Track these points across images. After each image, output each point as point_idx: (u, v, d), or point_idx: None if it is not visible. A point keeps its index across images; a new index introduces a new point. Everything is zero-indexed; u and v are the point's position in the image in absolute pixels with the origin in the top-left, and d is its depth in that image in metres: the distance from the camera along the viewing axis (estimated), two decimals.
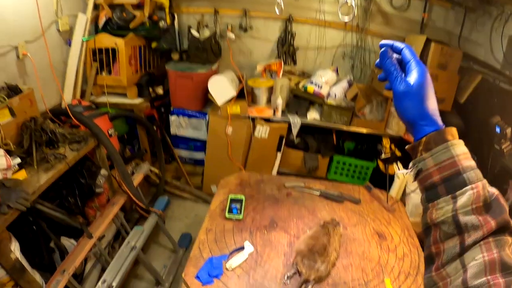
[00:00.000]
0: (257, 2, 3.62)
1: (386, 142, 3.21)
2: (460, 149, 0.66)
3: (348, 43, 3.71)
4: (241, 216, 1.90)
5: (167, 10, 3.51)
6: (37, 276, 1.95)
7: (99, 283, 2.07)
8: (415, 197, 2.79)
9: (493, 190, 0.63)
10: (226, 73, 3.43)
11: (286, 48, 3.70)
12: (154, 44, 3.47)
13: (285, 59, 3.75)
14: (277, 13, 2.91)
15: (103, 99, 3.24)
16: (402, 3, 3.51)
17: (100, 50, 3.19)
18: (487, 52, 2.94)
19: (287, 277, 1.59)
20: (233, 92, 3.25)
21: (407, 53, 0.73)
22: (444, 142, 0.67)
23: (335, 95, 3.31)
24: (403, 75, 0.72)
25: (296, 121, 3.29)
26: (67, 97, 2.99)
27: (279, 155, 3.44)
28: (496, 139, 2.45)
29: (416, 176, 0.71)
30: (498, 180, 2.52)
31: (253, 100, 3.45)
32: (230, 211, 1.93)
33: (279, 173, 3.57)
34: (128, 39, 3.19)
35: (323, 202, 2.10)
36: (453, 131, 0.69)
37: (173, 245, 3.02)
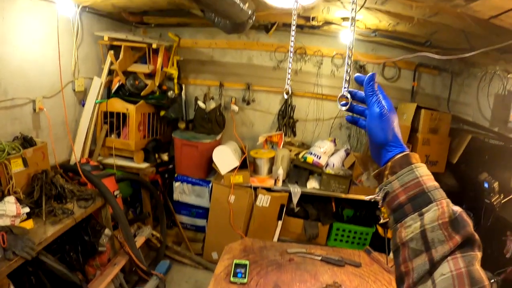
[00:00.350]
0: (260, 77, 3.94)
1: (384, 208, 3.30)
2: (423, 171, 0.72)
3: (344, 114, 3.95)
4: (245, 280, 1.95)
5: (175, 80, 3.81)
6: None
7: None
8: None
9: (457, 208, 0.67)
10: (230, 144, 3.62)
11: (286, 120, 3.94)
12: (162, 113, 3.70)
13: (286, 131, 3.98)
14: (285, 97, 3.14)
15: (110, 160, 3.39)
16: (393, 74, 3.83)
17: (111, 114, 3.42)
18: (476, 111, 3.14)
19: None
20: (236, 163, 3.40)
21: (368, 89, 0.83)
22: (409, 165, 0.72)
23: (333, 165, 3.46)
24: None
25: (296, 190, 3.41)
26: (77, 155, 3.12)
27: (280, 223, 3.51)
28: (486, 194, 2.57)
29: (384, 200, 0.75)
30: (494, 232, 2.60)
31: (255, 170, 3.60)
32: (235, 275, 1.98)
33: (280, 240, 3.62)
34: (139, 106, 3.41)
35: (325, 267, 2.16)
36: (416, 156, 0.74)
37: None
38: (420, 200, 0.68)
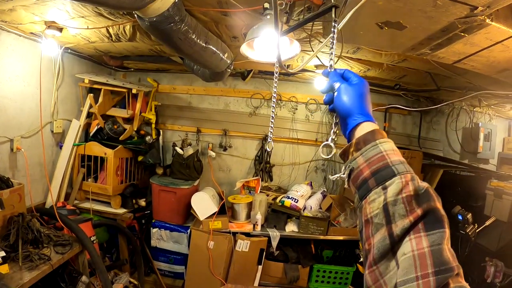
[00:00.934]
0: (237, 123, 4.05)
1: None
2: (388, 146, 0.71)
3: (320, 157, 4.07)
4: None
5: (153, 125, 3.87)
6: None
7: None
8: None
9: (424, 184, 0.65)
10: (208, 190, 3.64)
11: (263, 165, 4.02)
12: (140, 158, 3.70)
13: (262, 176, 4.05)
14: (268, 149, 3.22)
15: (86, 204, 3.32)
16: None
17: (89, 157, 3.38)
18: (446, 146, 3.31)
19: None
20: (214, 208, 3.41)
21: (349, 71, 0.87)
22: (373, 140, 0.72)
23: (311, 207, 3.53)
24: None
25: (275, 235, 3.42)
26: (53, 198, 3.04)
27: (260, 267, 3.49)
28: (460, 226, 2.68)
29: (349, 178, 0.75)
30: (473, 260, 2.72)
31: (233, 216, 3.61)
32: None
33: (261, 285, 3.58)
34: (117, 151, 3.41)
35: None
36: (382, 132, 0.74)
37: None
38: (383, 173, 0.67)
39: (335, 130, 0.89)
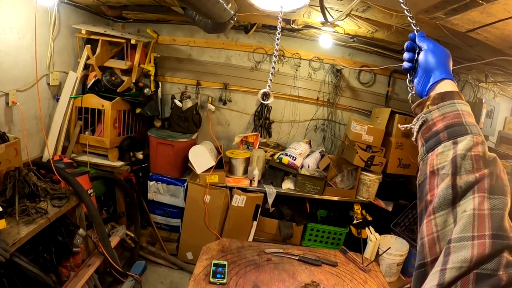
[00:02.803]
0: (238, 77, 3.95)
1: (357, 208, 3.40)
2: (465, 107, 0.72)
3: (320, 116, 4.03)
4: (225, 281, 1.96)
5: (152, 78, 3.77)
6: None
7: None
8: (388, 258, 2.92)
9: (493, 154, 0.65)
10: (206, 144, 3.61)
11: (262, 121, 3.96)
12: (138, 110, 3.63)
13: (261, 132, 4.01)
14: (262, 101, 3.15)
15: (83, 158, 3.30)
16: (369, 79, 3.93)
17: (86, 110, 3.32)
18: None
19: None
20: (212, 162, 3.40)
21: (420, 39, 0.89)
22: (452, 99, 0.73)
23: (309, 166, 3.52)
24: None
25: (271, 191, 3.44)
26: (50, 151, 3.01)
27: (255, 223, 3.53)
28: None
29: (419, 128, 0.76)
30: None
31: (231, 170, 3.60)
32: (214, 276, 1.99)
33: (255, 240, 3.64)
34: (115, 103, 3.33)
35: (302, 266, 2.19)
36: (461, 95, 0.75)
37: None
38: (457, 129, 0.68)
39: (410, 87, 0.92)
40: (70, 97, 3.19)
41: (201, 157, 3.41)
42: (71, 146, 3.27)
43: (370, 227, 3.02)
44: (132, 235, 3.42)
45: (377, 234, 2.95)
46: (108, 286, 3.05)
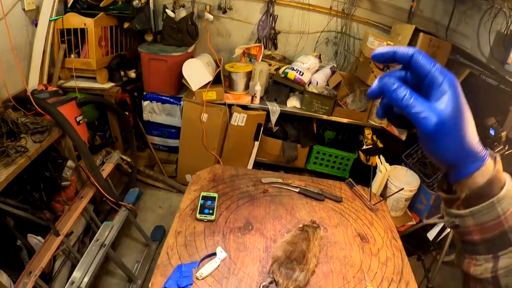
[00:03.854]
0: None
1: (368, 133, 3.11)
2: (507, 204, 0.50)
3: (333, 28, 3.55)
4: (213, 217, 1.75)
5: None
6: (4, 277, 1.83)
7: (67, 285, 1.90)
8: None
9: None
10: (202, 57, 3.24)
11: (267, 31, 3.51)
12: (126, 25, 3.19)
13: (266, 43, 3.58)
14: None
15: (71, 83, 3.00)
16: None
17: (69, 31, 2.91)
18: (474, 45, 2.85)
19: (263, 287, 1.47)
20: (208, 77, 3.06)
21: (422, 61, 0.49)
22: (490, 197, 0.50)
23: (317, 83, 3.16)
24: (426, 102, 0.49)
25: (275, 109, 3.14)
26: (33, 82, 2.72)
27: (256, 144, 3.30)
28: (489, 143, 2.31)
29: (452, 228, 0.56)
30: None
31: (230, 86, 3.27)
32: (202, 211, 1.77)
33: (256, 162, 3.44)
34: (98, 19, 2.92)
35: (302, 201, 1.96)
36: (500, 174, 0.51)
37: (146, 239, 2.88)
38: (498, 242, 0.51)
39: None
40: (49, 20, 2.77)
41: (196, 72, 3.06)
42: (57, 73, 2.93)
43: (381, 156, 2.75)
44: (129, 159, 3.24)
45: (387, 165, 2.69)
46: (106, 214, 2.98)
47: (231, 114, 3.14)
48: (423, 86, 0.50)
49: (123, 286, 2.61)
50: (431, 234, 2.55)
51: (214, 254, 1.59)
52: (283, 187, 2.06)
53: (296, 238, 1.57)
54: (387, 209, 2.02)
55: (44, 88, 2.63)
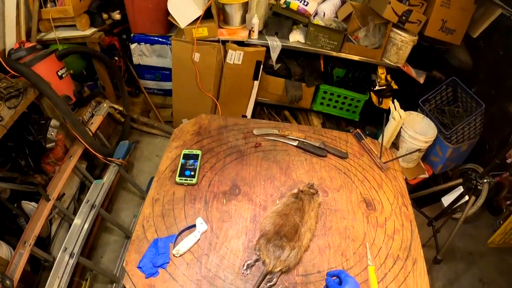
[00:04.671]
0: None
1: (381, 72, 2.75)
2: None
3: None
4: (194, 180, 1.51)
5: None
6: (3, 248, 1.83)
7: (60, 252, 1.79)
8: (410, 142, 2.43)
9: None
10: None
11: None
12: None
13: None
14: None
15: (52, 35, 2.69)
16: None
17: None
18: None
19: (247, 266, 1.26)
20: (198, 11, 2.67)
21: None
22: None
23: (324, 14, 2.76)
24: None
25: (275, 44, 2.78)
26: (11, 40, 2.44)
27: (256, 83, 2.98)
28: None
29: None
30: (502, 129, 2.40)
31: (225, 20, 2.88)
32: (182, 173, 1.53)
33: (258, 103, 3.16)
34: None
35: (301, 157, 1.69)
36: None
37: (141, 192, 2.72)
38: None
39: None
40: None
41: (183, 6, 2.66)
42: (34, 26, 2.59)
43: (395, 101, 2.41)
44: (120, 108, 3.01)
45: (402, 111, 2.36)
46: (102, 168, 2.86)
47: (226, 52, 2.80)
48: None
49: (122, 242, 2.57)
50: (446, 200, 2.30)
51: (194, 226, 1.37)
52: (278, 139, 1.78)
53: (289, 208, 1.32)
54: (399, 169, 1.74)
55: (20, 46, 2.36)
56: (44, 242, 2.15)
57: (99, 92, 2.94)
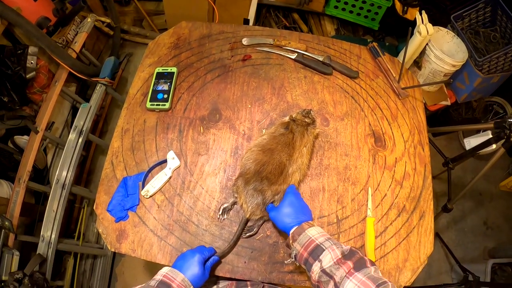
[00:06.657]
0: None
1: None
2: (314, 231, 0.90)
3: None
4: (167, 105, 1.26)
5: None
6: (4, 186, 1.84)
7: (53, 184, 1.78)
8: (436, 62, 2.07)
9: (347, 247, 0.85)
10: None
11: None
12: None
13: None
14: None
15: None
16: None
17: None
18: None
19: (223, 211, 1.06)
20: None
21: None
22: (303, 231, 0.90)
23: None
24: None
25: None
26: None
27: None
28: None
29: (295, 259, 0.92)
30: None
31: None
32: (154, 97, 1.28)
33: (262, 4, 2.78)
34: None
35: (299, 73, 1.39)
36: (309, 222, 0.94)
37: None
38: (317, 251, 0.86)
39: None
40: None
41: None
42: None
43: (423, 12, 1.98)
44: (108, 20, 2.69)
45: (430, 25, 1.93)
46: (94, 89, 2.61)
47: None
48: None
49: None
50: (469, 143, 1.96)
51: (166, 161, 1.16)
52: (273, 51, 1.46)
53: (276, 141, 1.07)
54: (420, 98, 1.40)
55: None
56: (42, 173, 2.14)
57: (80, 7, 2.59)
